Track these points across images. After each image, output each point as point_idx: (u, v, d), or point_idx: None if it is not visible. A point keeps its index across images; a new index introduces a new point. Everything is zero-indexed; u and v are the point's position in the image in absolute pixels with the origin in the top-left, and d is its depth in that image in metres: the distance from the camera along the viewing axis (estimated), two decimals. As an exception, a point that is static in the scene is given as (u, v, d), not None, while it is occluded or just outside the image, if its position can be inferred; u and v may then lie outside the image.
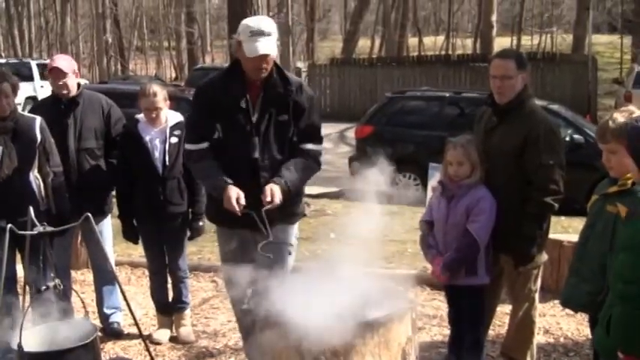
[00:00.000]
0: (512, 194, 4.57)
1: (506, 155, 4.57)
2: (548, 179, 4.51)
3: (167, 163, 5.55)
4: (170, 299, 5.93)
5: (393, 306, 3.62)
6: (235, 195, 4.17)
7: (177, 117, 5.70)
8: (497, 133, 4.69)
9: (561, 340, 5.79)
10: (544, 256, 4.87)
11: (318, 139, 4.55)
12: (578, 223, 9.90)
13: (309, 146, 4.47)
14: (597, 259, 3.71)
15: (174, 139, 5.58)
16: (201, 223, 5.75)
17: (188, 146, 4.56)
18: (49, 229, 4.53)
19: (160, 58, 51.74)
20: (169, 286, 5.95)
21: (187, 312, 5.97)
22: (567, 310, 6.15)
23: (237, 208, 4.14)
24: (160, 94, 5.56)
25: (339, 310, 3.53)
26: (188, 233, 5.79)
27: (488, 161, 4.63)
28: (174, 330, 5.92)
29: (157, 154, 5.56)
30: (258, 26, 4.24)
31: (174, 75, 48.05)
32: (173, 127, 5.61)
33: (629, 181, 3.60)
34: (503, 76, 4.62)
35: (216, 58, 50.50)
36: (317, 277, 3.90)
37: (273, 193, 4.17)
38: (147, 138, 5.57)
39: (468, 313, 4.76)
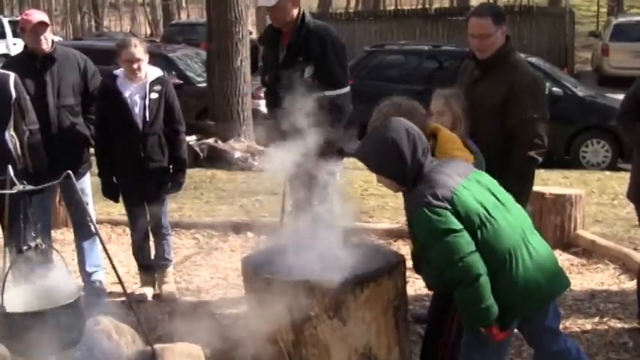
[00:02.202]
0: (495, 149, 4.45)
1: (489, 109, 4.48)
2: (533, 133, 4.44)
3: (147, 119, 5.44)
4: (152, 257, 5.87)
5: (381, 260, 3.57)
6: None
7: (156, 72, 5.58)
8: (479, 88, 4.59)
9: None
10: (528, 210, 4.82)
11: (334, 84, 5.09)
12: (557, 176, 9.95)
13: (327, 93, 4.98)
14: None
15: (154, 95, 5.47)
16: (181, 179, 5.68)
17: None
18: (29, 187, 4.42)
19: (135, 15, 51.08)
20: (151, 243, 5.88)
21: (170, 269, 5.92)
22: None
23: None
24: (141, 46, 5.44)
25: (327, 266, 3.48)
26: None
27: (470, 116, 4.55)
28: (157, 287, 5.87)
29: (136, 109, 5.45)
30: None
31: (149, 31, 47.38)
32: (153, 83, 5.50)
33: None
34: (481, 34, 4.54)
35: (191, 14, 49.94)
36: (303, 232, 3.85)
37: None
38: (126, 94, 5.45)
39: None
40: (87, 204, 5.64)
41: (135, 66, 5.39)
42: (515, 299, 3.33)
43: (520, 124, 4.43)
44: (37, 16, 5.48)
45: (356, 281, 3.36)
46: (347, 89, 5.18)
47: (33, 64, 5.45)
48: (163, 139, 5.54)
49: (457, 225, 3.22)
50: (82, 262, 5.89)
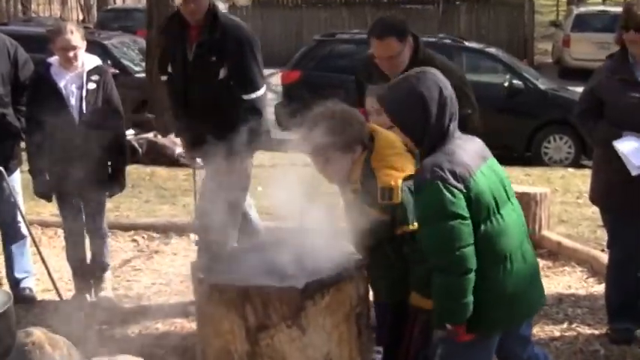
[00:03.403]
0: None
1: None
2: (470, 129, 4.23)
3: (84, 110, 5.32)
4: (88, 261, 5.74)
5: (343, 263, 3.52)
6: None
7: (94, 61, 5.48)
8: None
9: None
10: None
11: (252, 87, 5.08)
12: (518, 173, 10.01)
13: (244, 97, 5.05)
14: None
15: (91, 85, 5.36)
16: (123, 178, 5.59)
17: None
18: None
19: (65, -1, 50.36)
20: (87, 247, 5.75)
21: (108, 274, 5.82)
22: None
23: None
24: (78, 32, 5.32)
25: (284, 269, 3.42)
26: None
27: None
28: (93, 295, 5.74)
29: (72, 100, 5.32)
30: None
31: (81, 17, 46.78)
32: (90, 72, 5.38)
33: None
34: (389, 57, 4.49)
35: (126, -1, 49.37)
36: (257, 233, 3.79)
37: None
38: (61, 83, 5.32)
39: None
40: (17, 203, 5.51)
41: (71, 54, 5.26)
42: (502, 307, 3.30)
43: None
44: None
45: (316, 286, 3.30)
46: (263, 91, 5.17)
47: None
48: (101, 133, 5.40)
49: (466, 212, 3.18)
50: (10, 267, 5.77)
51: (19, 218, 5.60)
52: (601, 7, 25.20)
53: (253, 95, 5.07)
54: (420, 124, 3.29)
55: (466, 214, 3.18)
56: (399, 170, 3.65)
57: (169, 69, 5.28)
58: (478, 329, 3.30)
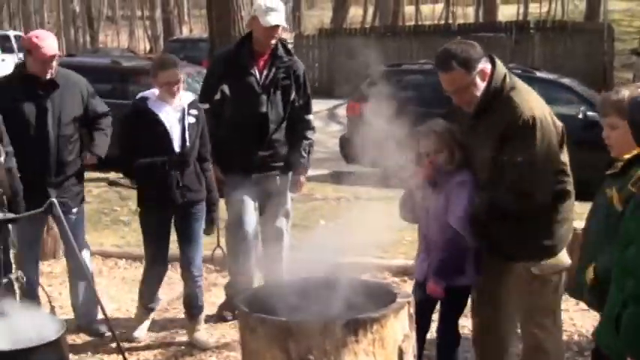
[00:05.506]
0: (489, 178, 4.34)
1: (487, 156, 4.31)
2: (514, 177, 4.21)
3: (187, 144, 5.44)
4: (183, 301, 5.85)
5: (388, 301, 3.60)
6: None
7: (189, 95, 5.60)
8: (475, 137, 4.41)
9: (575, 337, 5.79)
10: (562, 260, 4.49)
11: (311, 108, 6.14)
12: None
13: (310, 117, 6.11)
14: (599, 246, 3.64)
15: (191, 119, 5.48)
16: (216, 214, 5.73)
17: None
18: (10, 215, 4.49)
19: (133, 29, 51.48)
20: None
21: (202, 316, 5.87)
22: (582, 305, 6.15)
23: None
24: (179, 63, 5.48)
25: (329, 306, 3.51)
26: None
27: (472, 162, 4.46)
28: (190, 335, 5.80)
29: (174, 134, 5.43)
30: (271, 3, 5.71)
31: (148, 47, 47.74)
32: (189, 106, 5.51)
33: (620, 164, 3.58)
34: (456, 90, 4.29)
35: (194, 28, 50.29)
36: (306, 269, 3.89)
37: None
38: (162, 116, 5.43)
39: (446, 313, 4.68)
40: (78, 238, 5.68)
41: (175, 88, 5.39)
42: None
43: (505, 165, 4.23)
44: (49, 47, 5.41)
45: (358, 322, 3.38)
46: None
47: (34, 88, 5.47)
48: (199, 167, 5.57)
49: None
50: (76, 297, 5.91)
51: (84, 250, 5.78)
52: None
53: (312, 116, 6.12)
54: None
55: None
56: None
57: (217, 96, 5.80)
58: None
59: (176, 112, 5.46)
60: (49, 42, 5.44)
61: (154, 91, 5.49)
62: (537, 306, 4.48)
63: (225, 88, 5.76)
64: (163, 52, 28.38)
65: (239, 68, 5.80)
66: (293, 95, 5.91)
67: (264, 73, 5.81)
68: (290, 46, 6.01)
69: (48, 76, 5.45)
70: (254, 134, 5.80)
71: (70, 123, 5.58)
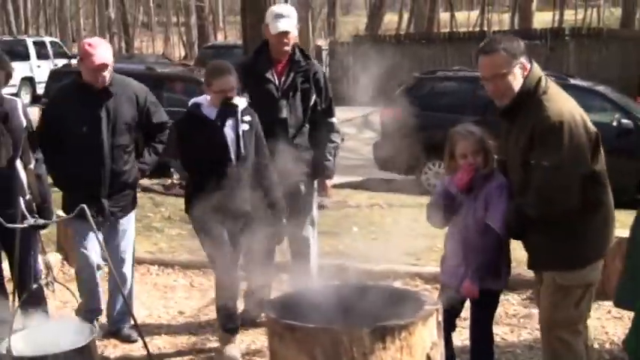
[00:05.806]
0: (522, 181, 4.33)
1: (519, 160, 4.30)
2: (539, 182, 4.17)
3: (242, 151, 5.34)
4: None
5: (416, 308, 3.59)
6: None
7: (242, 101, 5.48)
8: (511, 139, 4.38)
9: (607, 345, 5.73)
10: (589, 274, 4.39)
11: (334, 112, 6.17)
12: (625, 217, 9.78)
13: (333, 119, 6.14)
14: None
15: (245, 126, 5.39)
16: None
17: None
18: (41, 221, 4.54)
19: (168, 35, 51.86)
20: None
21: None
22: (614, 313, 6.11)
23: None
24: (233, 69, 5.36)
25: (357, 314, 3.51)
26: None
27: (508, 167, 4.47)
28: (222, 346, 5.55)
29: (228, 141, 5.36)
30: (280, 10, 5.93)
31: (183, 53, 48.13)
32: (243, 113, 5.42)
33: None
34: (494, 75, 4.23)
35: (228, 35, 50.56)
36: (335, 276, 3.89)
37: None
38: (217, 123, 5.34)
39: (479, 317, 4.72)
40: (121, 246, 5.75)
41: (230, 95, 5.32)
42: None
43: (532, 168, 4.21)
44: (99, 56, 5.36)
45: (386, 328, 3.38)
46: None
47: (88, 96, 5.46)
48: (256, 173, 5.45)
49: None
50: (112, 303, 5.92)
51: (127, 258, 5.83)
52: None
53: (335, 119, 6.17)
54: None
55: None
56: None
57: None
58: None
59: (230, 118, 5.37)
60: (99, 50, 5.40)
61: (206, 97, 5.41)
62: (557, 318, 4.39)
63: (247, 96, 5.68)
64: (197, 58, 28.56)
65: (257, 75, 5.88)
66: (314, 99, 5.97)
67: (283, 79, 5.89)
68: (324, 53, 6.02)
69: (100, 85, 5.42)
70: (275, 140, 5.64)
71: (125, 132, 5.55)
